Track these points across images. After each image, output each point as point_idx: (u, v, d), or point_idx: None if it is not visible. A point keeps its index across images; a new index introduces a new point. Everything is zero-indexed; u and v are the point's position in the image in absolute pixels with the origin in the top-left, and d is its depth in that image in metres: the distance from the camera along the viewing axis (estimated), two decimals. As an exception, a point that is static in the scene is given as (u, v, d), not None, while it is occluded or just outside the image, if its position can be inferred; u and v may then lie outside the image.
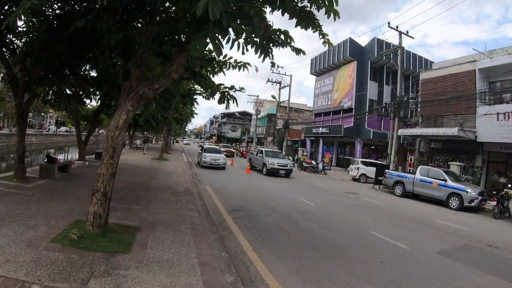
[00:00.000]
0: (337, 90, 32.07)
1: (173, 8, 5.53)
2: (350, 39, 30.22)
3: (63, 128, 55.95)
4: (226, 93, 6.70)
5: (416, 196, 15.42)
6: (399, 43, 21.40)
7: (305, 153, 33.93)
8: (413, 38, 22.98)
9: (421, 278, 5.21)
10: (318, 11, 4.50)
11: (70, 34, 5.83)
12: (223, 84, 6.76)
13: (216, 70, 7.09)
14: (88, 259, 3.91)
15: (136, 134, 37.31)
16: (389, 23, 20.96)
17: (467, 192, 13.15)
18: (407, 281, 5.02)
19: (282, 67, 6.10)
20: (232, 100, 6.66)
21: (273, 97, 40.71)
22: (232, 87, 6.74)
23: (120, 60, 8.43)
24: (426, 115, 20.65)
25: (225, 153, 25.32)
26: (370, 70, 29.06)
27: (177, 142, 70.47)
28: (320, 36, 5.14)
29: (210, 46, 3.44)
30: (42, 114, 55.60)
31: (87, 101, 11.76)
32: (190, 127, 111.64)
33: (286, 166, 19.85)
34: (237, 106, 6.60)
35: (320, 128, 32.92)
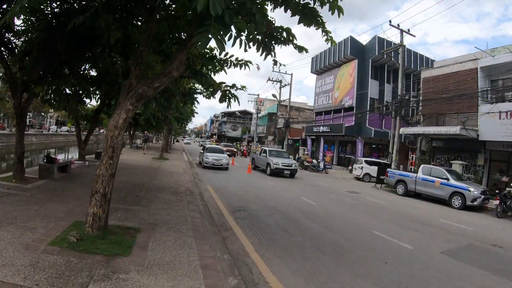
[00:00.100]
0: (338, 88, 31.95)
1: (173, 6, 5.44)
2: (351, 37, 30.10)
3: (64, 128, 55.79)
4: (227, 92, 6.60)
5: (418, 195, 15.35)
6: (400, 41, 21.29)
7: (306, 152, 33.85)
8: (414, 36, 22.94)
9: (427, 279, 5.12)
10: (322, 7, 4.41)
11: (68, 32, 5.73)
12: (224, 83, 6.67)
13: (217, 68, 6.99)
14: (87, 263, 3.82)
15: (136, 133, 37.20)
16: (390, 21, 20.86)
17: (469, 191, 13.05)
18: (412, 282, 4.94)
19: (284, 65, 6.02)
20: (233, 98, 6.56)
21: (274, 96, 40.61)
22: (233, 86, 6.64)
23: (120, 59, 8.36)
24: (428, 114, 20.53)
25: (227, 152, 24.36)
26: (371, 68, 28.93)
27: (177, 141, 70.33)
28: (323, 33, 5.05)
29: (211, 44, 3.36)
30: (42, 114, 55.52)
31: (87, 100, 11.69)
32: (190, 126, 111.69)
33: (291, 166, 19.29)
34: (239, 104, 6.52)
35: (321, 127, 32.81)
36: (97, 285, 3.36)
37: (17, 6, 3.71)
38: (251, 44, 4.65)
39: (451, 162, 18.34)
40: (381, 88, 29.13)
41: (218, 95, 6.74)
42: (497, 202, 12.29)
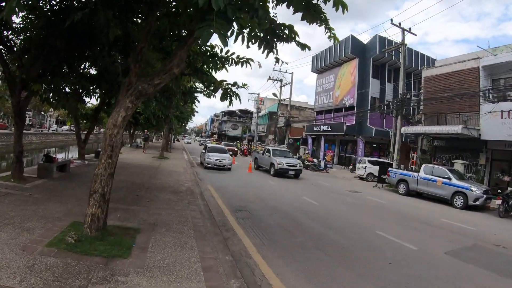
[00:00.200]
0: (339, 87, 31.83)
1: (174, 3, 5.35)
2: (352, 36, 29.94)
3: (65, 127, 55.61)
4: (228, 90, 6.49)
5: (420, 195, 15.27)
6: (402, 40, 21.19)
7: (306, 151, 33.76)
8: (415, 35, 22.77)
9: (432, 280, 5.03)
10: (326, 3, 4.31)
11: (67, 28, 5.65)
12: (226, 81, 6.56)
13: (218, 66, 6.88)
14: (86, 265, 3.72)
15: (136, 133, 37.08)
16: (392, 20, 20.77)
17: (472, 190, 12.96)
18: (418, 283, 4.86)
19: (287, 63, 5.90)
20: (235, 96, 6.45)
21: (274, 95, 40.54)
22: (235, 84, 6.54)
23: (120, 58, 8.27)
24: (429, 113, 20.42)
25: (229, 152, 22.73)
26: (372, 67, 28.78)
27: (177, 140, 70.17)
28: (326, 30, 4.94)
29: (212, 42, 3.26)
30: (42, 113, 55.37)
31: (87, 99, 11.62)
32: (190, 125, 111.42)
33: (296, 166, 18.56)
34: (240, 102, 6.38)
35: (322, 126, 32.69)
36: (95, 288, 3.26)
37: (13, 2, 3.62)
38: (252, 41, 4.56)
39: (452, 161, 18.24)
40: (382, 87, 29.01)
41: (219, 93, 6.65)
42: (500, 201, 12.20)
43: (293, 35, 5.01)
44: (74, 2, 6.39)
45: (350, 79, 30.01)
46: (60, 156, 21.59)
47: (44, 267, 3.53)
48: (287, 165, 18.26)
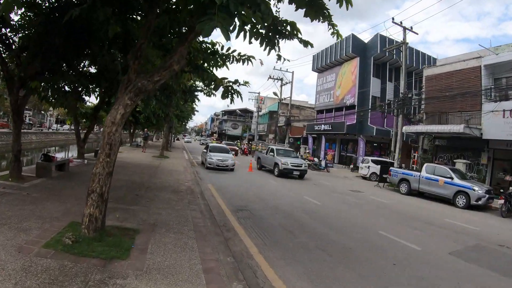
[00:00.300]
0: (340, 86, 31.70)
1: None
2: (353, 35, 29.78)
3: (66, 127, 55.40)
4: (229, 88, 6.38)
5: (421, 194, 15.16)
6: (403, 39, 21.07)
7: (307, 151, 33.65)
8: (417, 34, 22.60)
9: (436, 281, 4.94)
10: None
11: (65, 25, 5.55)
12: (227, 78, 6.45)
13: (219, 64, 6.76)
14: (83, 267, 3.61)
15: (136, 132, 36.95)
16: (393, 19, 20.64)
17: (474, 190, 12.87)
18: (423, 284, 4.78)
19: (288, 60, 5.79)
20: (236, 94, 6.33)
21: (275, 94, 40.40)
22: (236, 81, 6.42)
23: (119, 56, 8.16)
24: (431, 112, 20.31)
25: (232, 152, 21.83)
26: (373, 66, 28.67)
27: (177, 140, 70.00)
28: (329, 27, 4.84)
29: (213, 39, 3.16)
30: (42, 112, 55.27)
31: (86, 98, 11.51)
32: (191, 124, 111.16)
33: (301, 166, 17.88)
34: (242, 101, 6.27)
35: (322, 125, 32.58)
36: (93, 291, 3.16)
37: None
38: (254, 37, 4.46)
39: (454, 160, 18.14)
40: (383, 87, 28.88)
41: (220, 91, 6.53)
42: (502, 201, 12.12)
43: (295, 32, 4.90)
44: (73, -1, 6.29)
45: (351, 78, 29.89)
46: (60, 155, 21.51)
47: (40, 269, 3.43)
48: (291, 165, 17.59)
